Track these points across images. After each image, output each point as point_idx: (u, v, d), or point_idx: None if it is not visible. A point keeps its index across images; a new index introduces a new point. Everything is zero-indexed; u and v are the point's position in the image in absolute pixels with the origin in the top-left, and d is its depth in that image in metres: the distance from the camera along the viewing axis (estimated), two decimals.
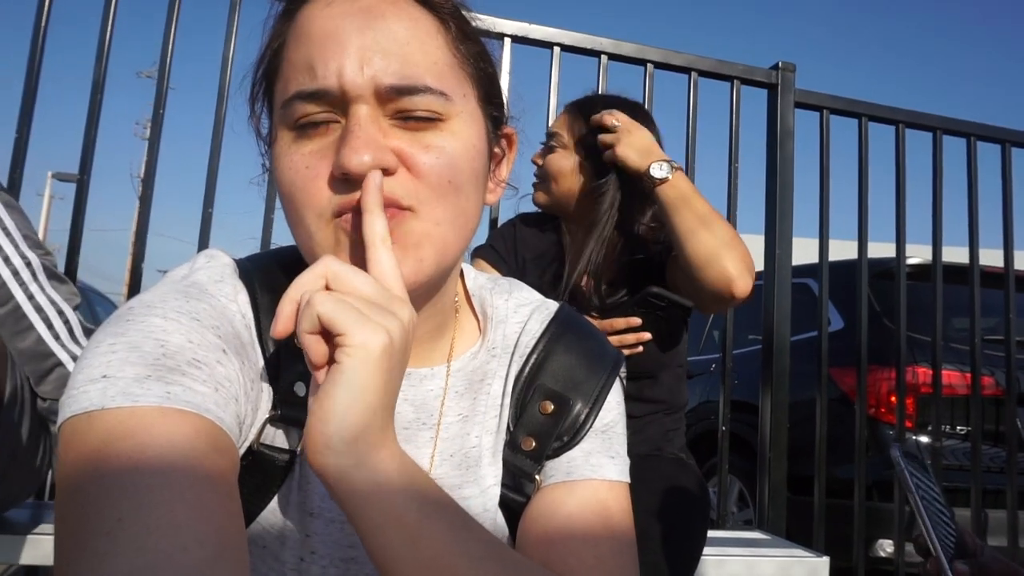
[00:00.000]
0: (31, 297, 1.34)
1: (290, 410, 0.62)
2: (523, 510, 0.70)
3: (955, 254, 2.63)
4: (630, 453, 0.76)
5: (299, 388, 0.63)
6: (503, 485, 0.71)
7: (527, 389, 0.73)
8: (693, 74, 2.20)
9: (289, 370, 0.63)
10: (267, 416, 0.62)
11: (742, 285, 1.40)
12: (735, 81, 2.24)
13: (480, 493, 0.70)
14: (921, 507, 0.66)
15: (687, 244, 1.41)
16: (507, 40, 2.04)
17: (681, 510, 1.39)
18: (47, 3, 1.79)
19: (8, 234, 1.35)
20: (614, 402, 0.75)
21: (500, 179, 0.73)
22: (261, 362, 0.63)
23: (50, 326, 1.35)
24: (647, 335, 1.46)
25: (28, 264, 1.35)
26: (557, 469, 0.71)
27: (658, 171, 1.44)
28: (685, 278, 1.47)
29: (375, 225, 0.56)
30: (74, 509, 0.45)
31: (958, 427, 3.06)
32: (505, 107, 0.72)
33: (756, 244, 2.25)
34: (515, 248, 1.69)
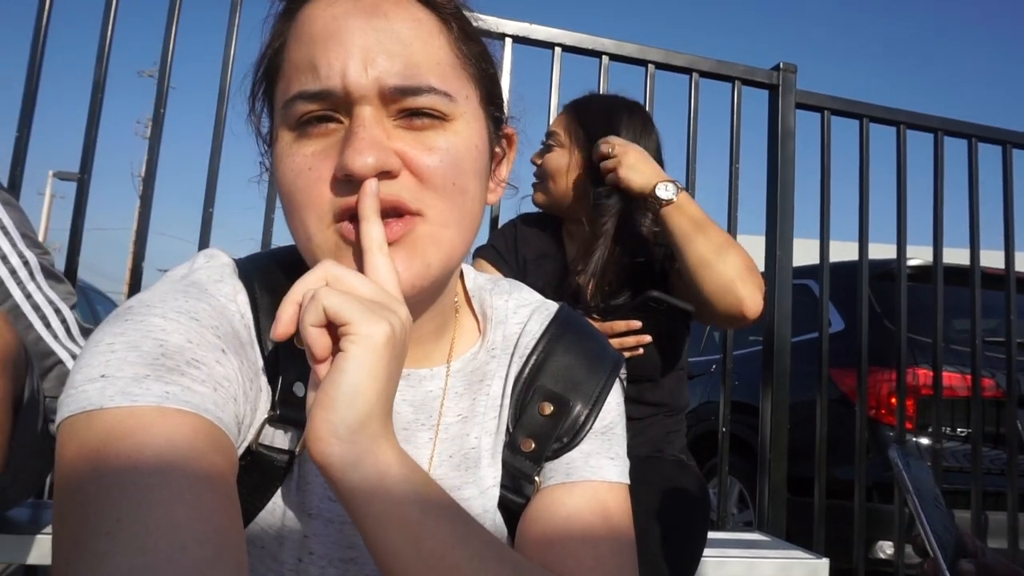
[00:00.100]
0: (28, 296, 1.34)
1: (289, 410, 0.62)
2: (522, 511, 0.70)
3: (956, 255, 2.63)
4: (631, 455, 0.76)
5: (298, 388, 0.63)
6: (502, 486, 0.71)
7: (527, 390, 0.73)
8: (694, 75, 2.20)
9: (288, 370, 0.63)
10: (266, 416, 0.62)
11: (755, 309, 1.41)
12: (736, 82, 2.24)
13: (479, 494, 0.70)
14: (919, 508, 0.66)
15: (700, 275, 1.40)
16: (508, 40, 2.04)
17: (681, 511, 1.39)
18: (48, 2, 1.80)
19: (6, 233, 1.35)
20: (614, 403, 0.75)
21: (500, 179, 0.73)
22: (260, 362, 0.63)
23: (48, 325, 1.35)
24: (647, 338, 1.46)
25: (26, 263, 1.35)
26: (556, 470, 0.71)
27: (664, 192, 1.42)
28: (697, 303, 1.47)
29: (372, 231, 0.56)
30: (73, 509, 0.45)
31: (958, 429, 3.06)
32: (506, 107, 0.72)
33: (757, 245, 2.26)
34: (516, 248, 1.69)
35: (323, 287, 0.52)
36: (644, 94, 2.15)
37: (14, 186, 1.71)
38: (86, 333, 1.42)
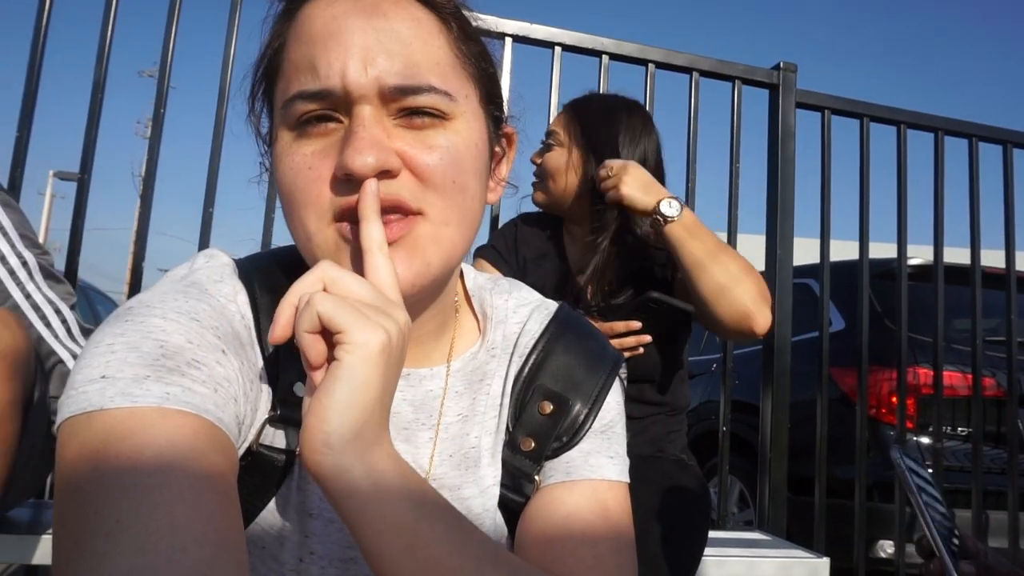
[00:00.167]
0: (28, 296, 1.34)
1: (289, 410, 0.62)
2: (522, 510, 0.70)
3: (956, 255, 2.63)
4: (631, 454, 0.76)
5: (298, 388, 0.62)
6: (502, 485, 0.70)
7: (526, 389, 0.73)
8: (694, 74, 2.19)
9: (288, 370, 0.63)
10: (266, 416, 0.62)
11: (761, 320, 1.42)
12: (736, 81, 2.24)
13: (480, 493, 0.70)
14: (924, 508, 0.66)
15: (714, 303, 1.41)
16: (508, 40, 2.04)
17: (682, 510, 1.39)
18: (48, 2, 1.80)
19: (5, 234, 1.35)
20: (613, 402, 0.75)
21: (500, 178, 0.73)
22: (260, 362, 0.63)
23: (48, 324, 1.36)
24: (647, 338, 1.46)
25: (24, 264, 1.35)
26: (556, 469, 0.71)
27: (668, 209, 1.41)
28: (705, 319, 1.47)
29: (372, 232, 0.56)
30: (73, 509, 0.45)
31: (959, 428, 3.06)
32: (505, 107, 0.72)
33: (757, 244, 2.26)
34: (516, 248, 1.68)
35: (318, 292, 0.52)
36: (644, 93, 2.15)
37: (14, 186, 1.71)
38: (87, 333, 1.42)
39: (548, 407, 0.72)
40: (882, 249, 2.83)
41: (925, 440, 2.95)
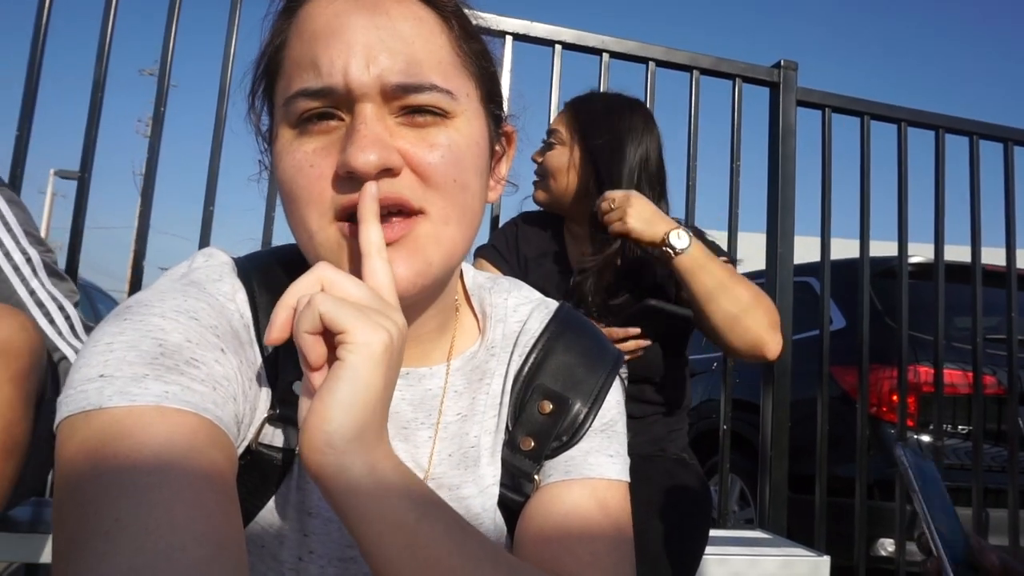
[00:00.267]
0: (32, 293, 1.35)
1: (289, 409, 0.62)
2: (522, 510, 0.70)
3: (957, 253, 2.63)
4: (632, 453, 0.76)
5: (298, 387, 0.62)
6: (502, 485, 0.70)
7: (526, 388, 0.73)
8: (695, 72, 2.19)
9: (287, 369, 0.63)
10: (266, 415, 0.62)
11: (773, 347, 1.44)
12: (737, 79, 2.24)
13: (479, 492, 0.70)
14: (924, 507, 0.66)
15: (725, 332, 1.43)
16: (508, 38, 2.04)
17: (683, 509, 1.39)
18: (48, 1, 1.79)
19: (9, 230, 1.36)
20: (614, 401, 0.75)
21: (500, 177, 0.73)
22: (259, 361, 0.62)
23: (52, 321, 1.36)
24: (647, 342, 1.47)
25: (28, 260, 1.36)
26: (556, 468, 0.71)
27: (678, 241, 1.40)
28: (716, 344, 1.49)
29: (371, 234, 0.56)
30: (72, 509, 0.45)
31: (959, 426, 3.06)
32: (505, 105, 0.72)
33: (758, 242, 2.26)
34: (517, 247, 1.68)
35: (319, 293, 0.52)
36: (645, 92, 2.15)
37: (15, 185, 1.71)
38: (89, 331, 1.42)
39: (548, 406, 0.71)
40: (883, 247, 2.83)
41: (926, 438, 2.95)
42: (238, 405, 0.56)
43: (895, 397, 2.92)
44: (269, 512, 0.63)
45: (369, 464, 0.51)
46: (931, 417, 2.61)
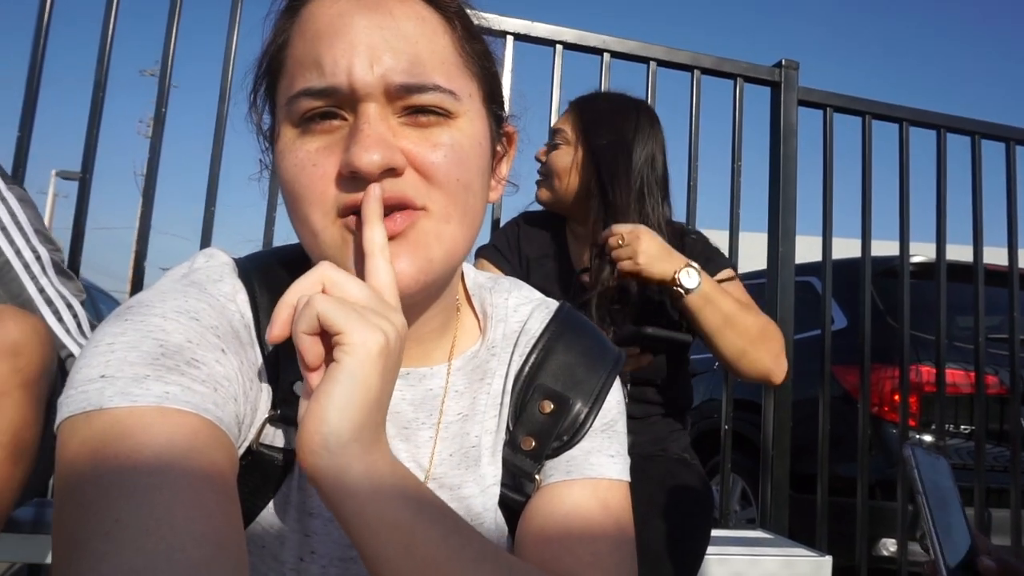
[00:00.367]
0: (41, 290, 1.36)
1: (290, 409, 0.62)
2: (523, 510, 0.70)
3: (959, 252, 2.62)
4: (633, 453, 0.76)
5: (298, 387, 0.62)
6: (503, 484, 0.70)
7: (527, 388, 0.72)
8: (696, 72, 2.19)
9: (288, 370, 0.63)
10: (266, 416, 0.62)
11: (779, 375, 1.48)
12: (738, 79, 2.24)
13: (480, 492, 0.70)
14: (928, 507, 0.66)
15: (735, 365, 1.46)
16: (509, 38, 2.04)
17: (684, 509, 1.39)
18: (48, 2, 1.80)
19: (20, 228, 1.37)
20: (614, 401, 0.75)
21: (501, 177, 0.73)
22: (260, 361, 0.62)
23: (60, 319, 1.37)
24: (647, 358, 1.47)
25: (38, 258, 1.38)
26: (556, 468, 0.71)
27: (688, 280, 1.40)
28: (722, 365, 1.51)
29: (374, 235, 0.56)
30: (73, 509, 0.45)
31: (962, 426, 3.06)
32: (506, 105, 0.72)
33: (759, 242, 2.25)
34: (518, 247, 1.68)
35: (317, 293, 0.52)
36: (646, 91, 2.15)
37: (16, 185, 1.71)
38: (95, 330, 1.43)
39: (548, 406, 0.71)
40: (884, 247, 2.83)
41: (928, 438, 2.94)
42: (239, 405, 0.56)
43: (897, 397, 2.91)
44: (270, 512, 0.63)
45: (366, 465, 0.51)
46: (933, 417, 2.60)
